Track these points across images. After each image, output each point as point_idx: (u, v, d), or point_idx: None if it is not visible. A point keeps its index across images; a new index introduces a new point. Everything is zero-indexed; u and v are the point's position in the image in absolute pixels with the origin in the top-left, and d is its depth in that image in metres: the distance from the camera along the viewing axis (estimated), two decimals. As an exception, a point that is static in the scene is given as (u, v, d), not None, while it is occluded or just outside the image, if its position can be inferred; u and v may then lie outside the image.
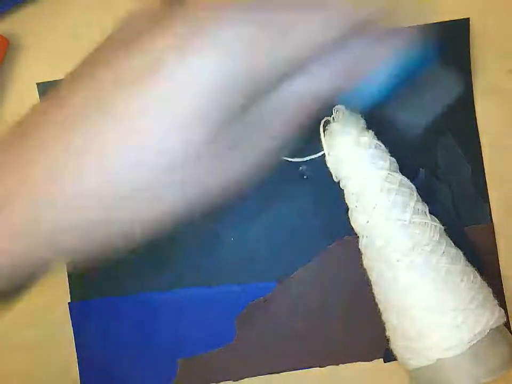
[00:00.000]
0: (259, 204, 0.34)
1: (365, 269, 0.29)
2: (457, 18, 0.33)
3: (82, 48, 0.35)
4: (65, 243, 0.19)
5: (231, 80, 0.17)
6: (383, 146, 0.30)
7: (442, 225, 0.28)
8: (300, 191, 0.34)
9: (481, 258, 0.33)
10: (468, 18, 0.33)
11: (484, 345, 0.26)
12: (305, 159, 0.32)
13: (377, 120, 0.32)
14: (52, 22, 0.35)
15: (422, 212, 0.28)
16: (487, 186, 0.33)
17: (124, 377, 0.34)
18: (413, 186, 0.29)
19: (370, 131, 0.30)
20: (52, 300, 0.33)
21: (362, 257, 0.29)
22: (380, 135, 0.30)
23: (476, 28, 0.33)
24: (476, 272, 0.29)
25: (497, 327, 0.27)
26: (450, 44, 0.33)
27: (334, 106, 0.32)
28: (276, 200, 0.34)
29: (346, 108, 0.32)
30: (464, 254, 0.29)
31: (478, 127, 0.33)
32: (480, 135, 0.33)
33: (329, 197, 0.33)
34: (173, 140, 0.18)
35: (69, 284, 0.34)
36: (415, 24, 0.33)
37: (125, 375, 0.34)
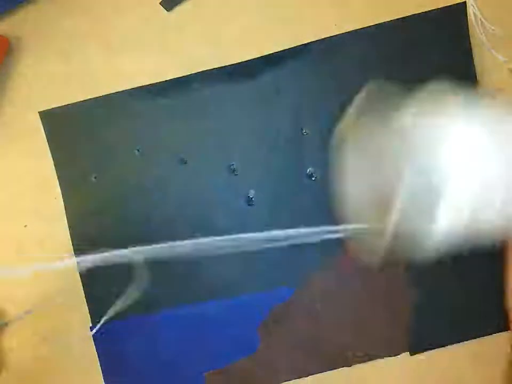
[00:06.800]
0: (269, 211, 0.33)
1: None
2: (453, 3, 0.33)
3: (82, 48, 0.35)
4: None
5: None
6: None
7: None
8: (309, 193, 0.33)
9: None
10: (465, 2, 0.33)
11: None
12: None
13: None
14: (52, 22, 0.34)
15: None
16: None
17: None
18: None
19: None
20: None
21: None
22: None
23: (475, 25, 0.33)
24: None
25: None
26: (449, 29, 0.33)
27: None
28: (285, 204, 0.33)
29: None
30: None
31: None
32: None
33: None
34: None
35: (88, 308, 0.34)
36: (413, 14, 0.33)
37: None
